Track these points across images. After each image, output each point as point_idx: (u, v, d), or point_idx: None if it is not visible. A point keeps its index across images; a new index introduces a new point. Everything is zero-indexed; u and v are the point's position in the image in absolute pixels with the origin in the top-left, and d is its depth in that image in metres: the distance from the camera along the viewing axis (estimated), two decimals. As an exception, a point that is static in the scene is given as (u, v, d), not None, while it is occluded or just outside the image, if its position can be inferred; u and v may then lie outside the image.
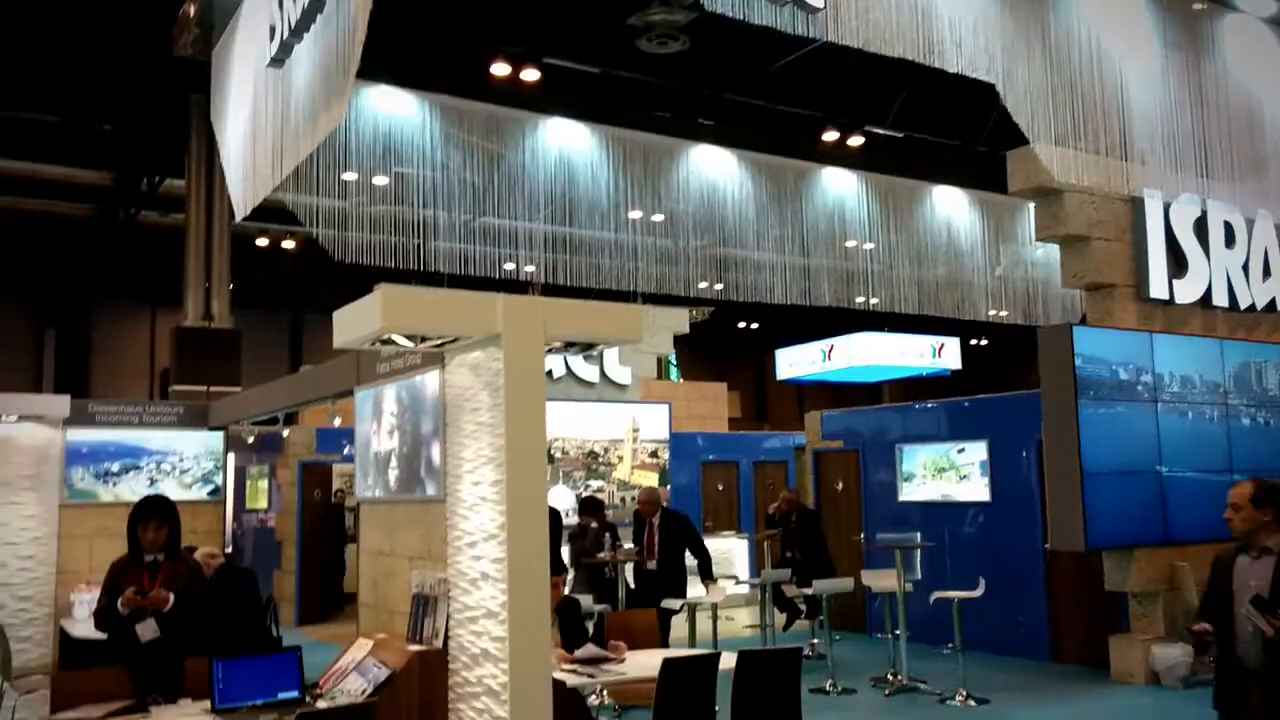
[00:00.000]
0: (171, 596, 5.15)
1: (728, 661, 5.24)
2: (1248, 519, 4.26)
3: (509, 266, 13.89)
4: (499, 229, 13.42)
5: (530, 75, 12.24)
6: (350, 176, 11.63)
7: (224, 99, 10.06)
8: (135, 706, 4.59)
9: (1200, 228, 9.90)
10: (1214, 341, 9.69)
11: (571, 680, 5.25)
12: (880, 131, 14.58)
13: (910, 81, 12.30)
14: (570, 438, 12.90)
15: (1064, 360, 8.55)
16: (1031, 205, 10.75)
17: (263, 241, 19.40)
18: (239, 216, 9.84)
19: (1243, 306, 10.11)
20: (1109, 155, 9.20)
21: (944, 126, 14.63)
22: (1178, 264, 9.74)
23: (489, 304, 4.51)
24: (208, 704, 4.58)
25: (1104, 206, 9.40)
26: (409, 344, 4.72)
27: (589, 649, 5.67)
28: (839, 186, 15.12)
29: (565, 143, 13.00)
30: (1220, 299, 9.94)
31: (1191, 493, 9.12)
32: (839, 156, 15.14)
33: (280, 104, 8.20)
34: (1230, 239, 10.12)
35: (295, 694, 4.70)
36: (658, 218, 14.24)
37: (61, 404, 8.75)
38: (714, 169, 14.14)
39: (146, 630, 5.10)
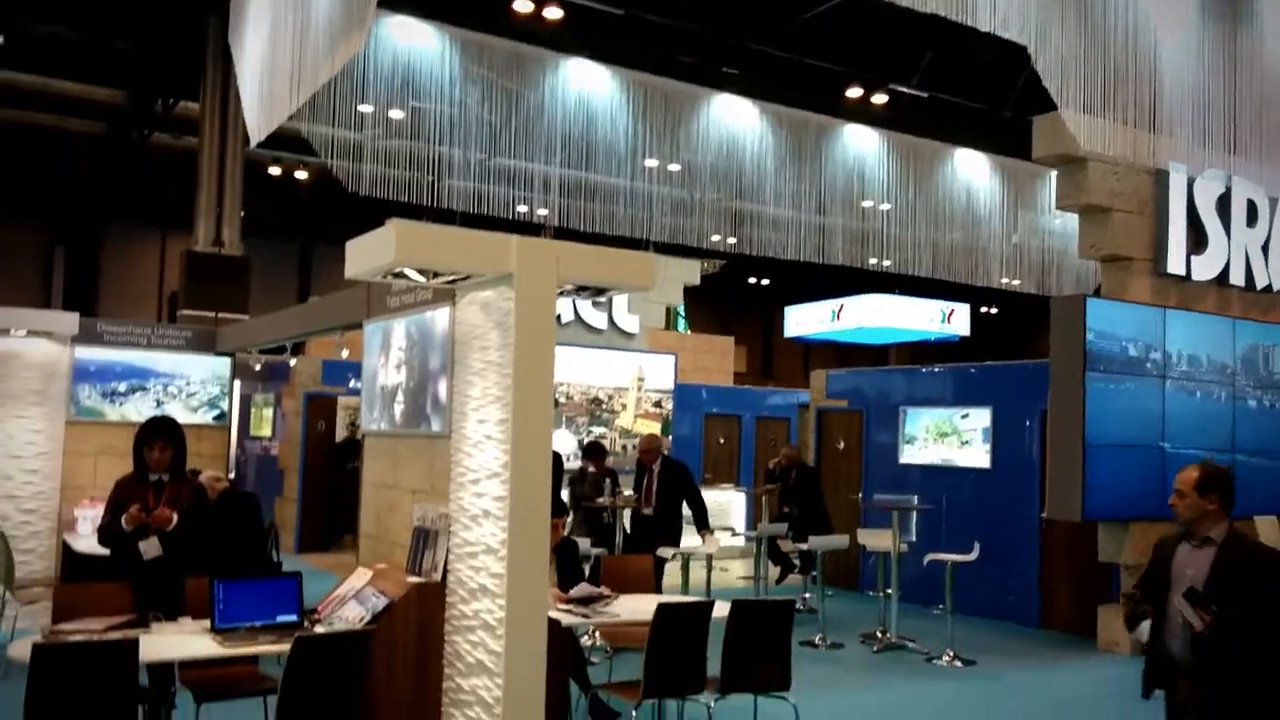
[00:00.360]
0: (175, 516, 5.19)
1: (720, 610, 5.28)
2: (1192, 506, 4.08)
3: (522, 209, 13.84)
4: (514, 170, 13.34)
5: (553, 13, 12.08)
6: (366, 108, 11.54)
7: (242, 22, 9.95)
8: (136, 621, 4.64)
9: (1223, 205, 9.79)
10: (1227, 321, 9.63)
11: (566, 619, 5.31)
12: (905, 90, 14.40)
13: (939, 40, 12.12)
14: (575, 384, 12.91)
15: (1075, 331, 8.51)
16: (1054, 173, 10.65)
17: (275, 170, 19.33)
18: (253, 142, 9.78)
19: (1259, 287, 10.04)
20: (1136, 126, 9.07)
21: (970, 89, 14.45)
22: (1197, 240, 9.64)
23: (503, 244, 4.49)
24: (208, 623, 4.64)
25: (1127, 178, 9.29)
26: (421, 279, 4.71)
27: (584, 587, 5.73)
28: (860, 144, 14.98)
29: (585, 85, 12.86)
30: (1237, 278, 9.86)
31: (1193, 470, 9.14)
32: (862, 114, 14.98)
33: (299, 30, 8.11)
34: (1253, 218, 10.02)
35: (294, 618, 4.76)
36: (674, 167, 14.13)
37: (70, 321, 8.79)
38: (734, 119, 14.00)
39: (149, 548, 5.15)
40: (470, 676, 4.53)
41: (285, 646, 4.15)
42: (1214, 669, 3.87)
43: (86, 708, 3.84)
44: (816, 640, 8.78)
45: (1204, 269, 9.67)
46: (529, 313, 4.44)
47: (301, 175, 19.48)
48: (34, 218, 22.48)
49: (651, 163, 13.78)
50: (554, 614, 5.00)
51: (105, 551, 5.39)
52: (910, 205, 15.39)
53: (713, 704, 5.20)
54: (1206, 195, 9.69)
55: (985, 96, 14.44)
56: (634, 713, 5.12)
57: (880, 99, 14.63)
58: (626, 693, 5.22)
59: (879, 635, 9.01)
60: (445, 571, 4.76)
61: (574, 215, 13.81)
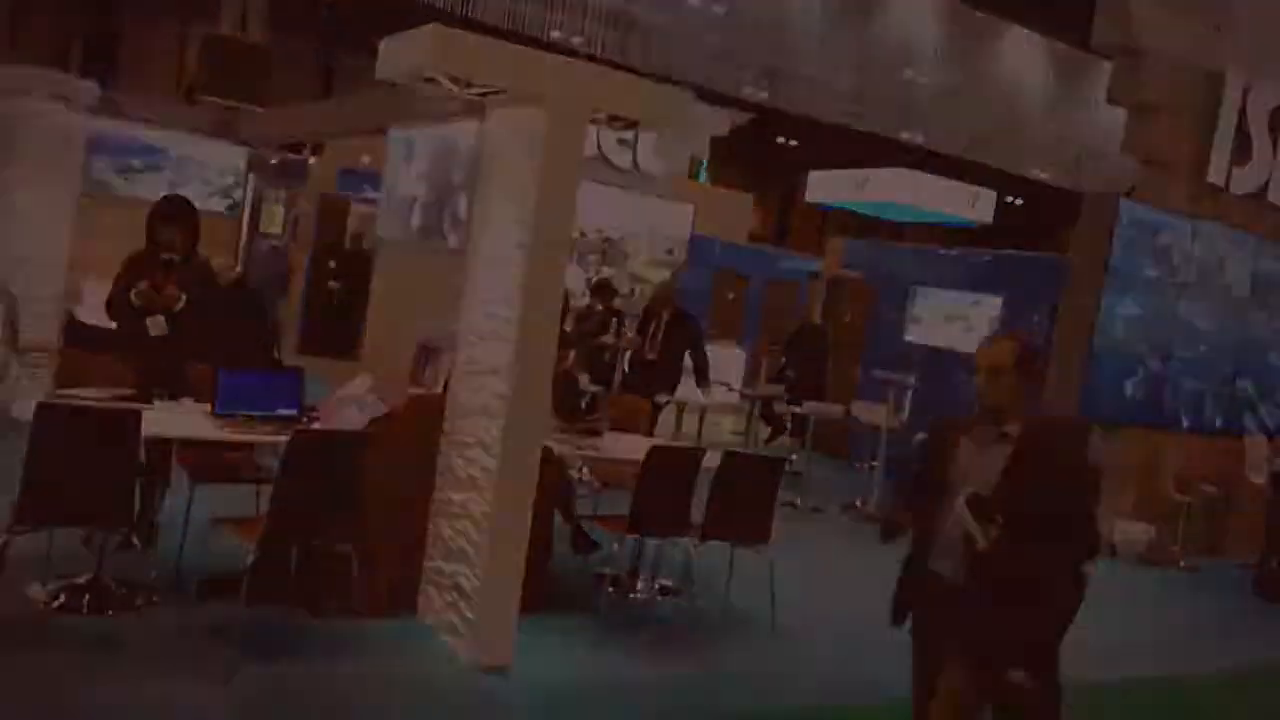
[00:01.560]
0: (184, 297, 5.17)
1: (710, 460, 5.35)
2: (1011, 388, 3.11)
3: (556, 34, 13.37)
4: (553, -9, 12.84)
5: None
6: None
7: None
8: (139, 396, 4.69)
9: (1275, 118, 9.48)
10: (1255, 239, 9.47)
11: (559, 449, 5.38)
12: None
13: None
14: (590, 222, 12.76)
15: (1102, 229, 8.39)
16: (1107, 65, 10.26)
17: (306, -39, 18.61)
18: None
19: (1296, 209, 9.83)
20: (1202, 26, 8.70)
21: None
22: (1242, 152, 9.38)
23: (539, 60, 4.36)
24: (208, 407, 4.70)
25: (1183, 77, 8.95)
26: (453, 87, 4.57)
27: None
28: (913, 9, 14.37)
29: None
30: (1275, 196, 9.63)
31: (1192, 382, 9.19)
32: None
33: None
34: (1303, 136, 9.72)
35: (293, 413, 4.82)
36: (718, 9, 13.59)
37: (90, 89, 8.59)
38: (787, -35, 13.40)
39: (155, 325, 5.15)
40: (461, 490, 4.62)
41: (283, 438, 4.20)
42: (992, 590, 3.00)
43: (85, 473, 3.90)
44: (797, 502, 8.96)
45: (1243, 182, 9.43)
46: (559, 135, 4.34)
47: (332, -30, 18.76)
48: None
49: (695, 1, 13.25)
50: (548, 442, 5.07)
51: (111, 325, 5.40)
52: (954, 81, 14.89)
53: (693, 548, 5.33)
54: (1259, 106, 9.37)
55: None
56: (614, 546, 5.25)
57: (941, -38, 13.98)
58: (610, 526, 5.34)
59: (859, 505, 9.19)
60: (446, 387, 4.80)
61: (609, 48, 13.34)
